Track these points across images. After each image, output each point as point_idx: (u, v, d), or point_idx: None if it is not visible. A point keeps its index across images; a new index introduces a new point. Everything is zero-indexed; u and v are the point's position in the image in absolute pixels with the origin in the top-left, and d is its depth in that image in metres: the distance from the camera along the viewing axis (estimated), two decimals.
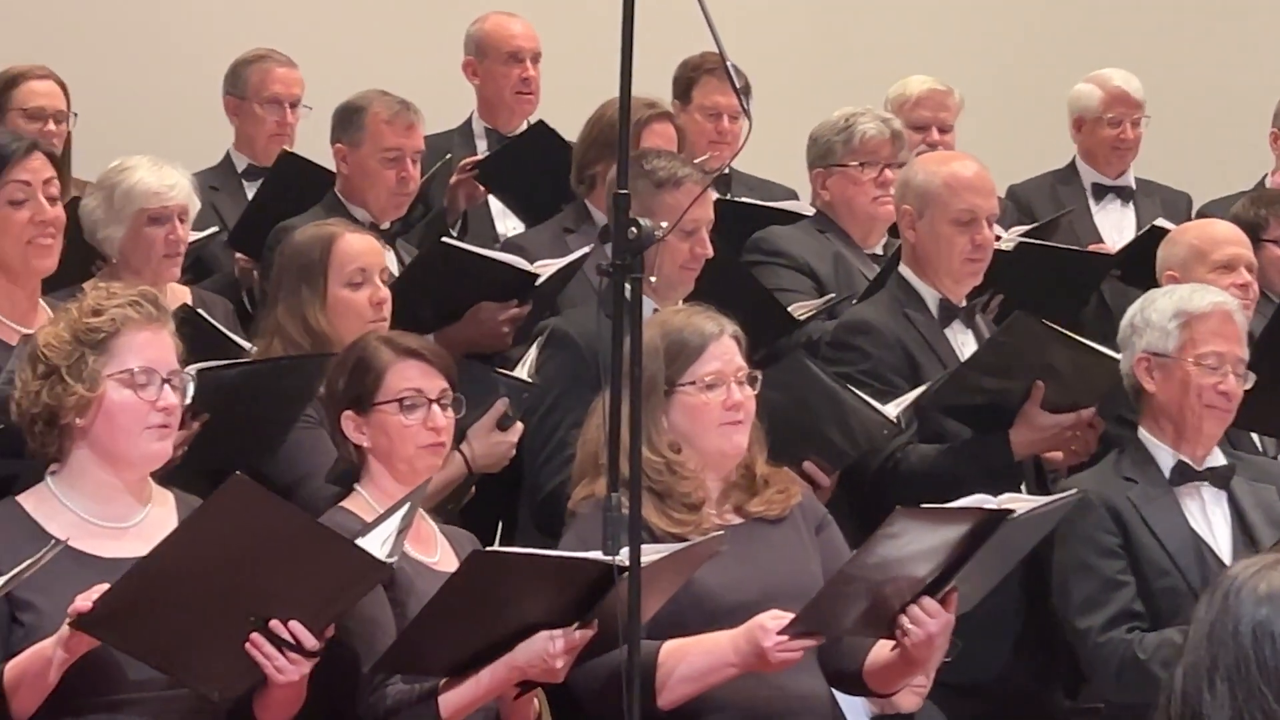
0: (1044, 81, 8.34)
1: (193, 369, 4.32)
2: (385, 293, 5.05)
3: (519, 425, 4.98)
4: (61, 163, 5.80)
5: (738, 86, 3.90)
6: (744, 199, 6.43)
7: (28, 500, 4.00)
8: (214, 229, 6.20)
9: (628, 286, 3.78)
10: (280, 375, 4.71)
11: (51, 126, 6.08)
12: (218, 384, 4.46)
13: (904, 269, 5.48)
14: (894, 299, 5.43)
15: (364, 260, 5.05)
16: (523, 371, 5.10)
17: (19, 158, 4.65)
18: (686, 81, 6.79)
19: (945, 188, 5.41)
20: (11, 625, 3.82)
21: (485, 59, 7.05)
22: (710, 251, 5.24)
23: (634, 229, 3.77)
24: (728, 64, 3.90)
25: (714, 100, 6.71)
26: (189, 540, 3.71)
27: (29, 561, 3.68)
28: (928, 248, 5.42)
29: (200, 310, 5.13)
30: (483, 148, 6.96)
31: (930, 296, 5.43)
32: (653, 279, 4.91)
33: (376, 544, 3.85)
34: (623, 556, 3.77)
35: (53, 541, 3.76)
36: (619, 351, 3.84)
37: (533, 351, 5.19)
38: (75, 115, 6.17)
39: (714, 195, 5.27)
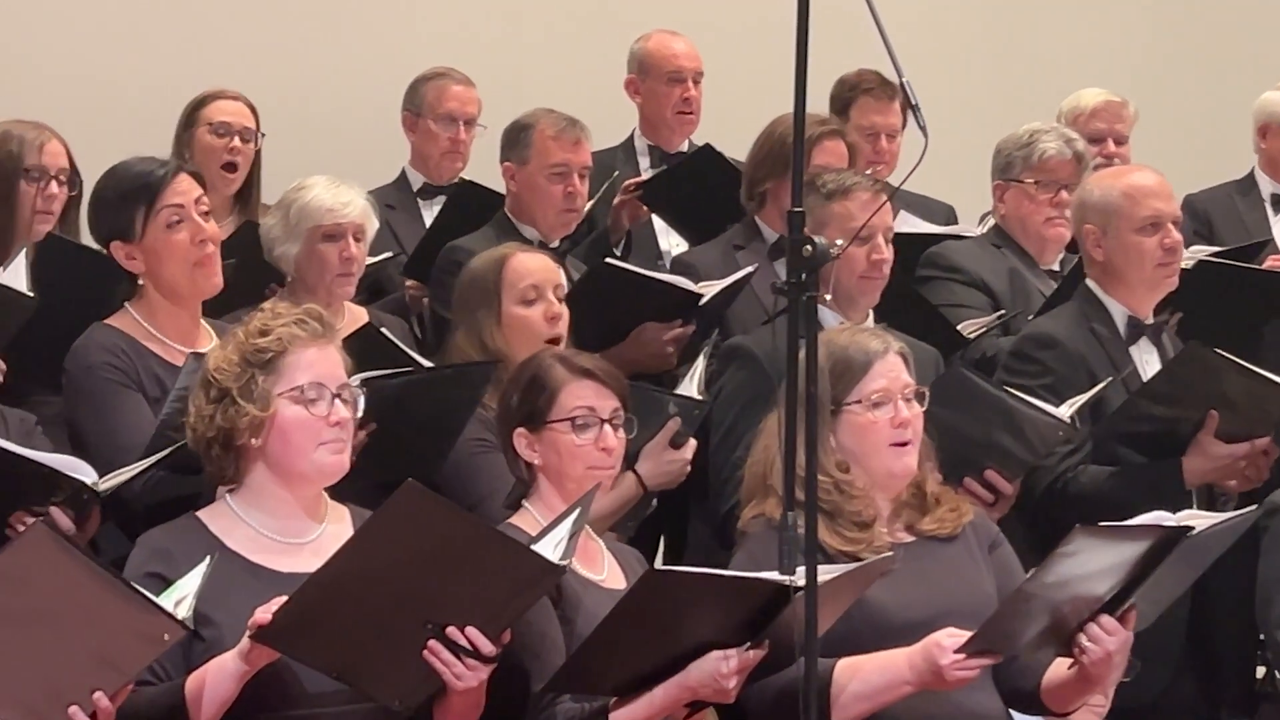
0: (1218, 92, 8.24)
1: (358, 377, 4.37)
2: (560, 308, 5.07)
3: (692, 443, 4.99)
4: (250, 183, 5.92)
5: (913, 103, 3.86)
6: (907, 229, 6.37)
7: (208, 516, 4.04)
8: (389, 254, 6.23)
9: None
10: (445, 385, 4.74)
11: (238, 143, 6.14)
12: (384, 393, 4.49)
13: (1091, 284, 5.42)
14: (1080, 313, 5.36)
15: (536, 277, 5.07)
16: (691, 388, 5.10)
17: (166, 181, 4.73)
18: (843, 101, 6.77)
19: (1126, 198, 5.34)
20: (192, 639, 3.84)
21: (647, 78, 7.07)
22: (889, 256, 5.20)
23: (809, 246, 3.76)
24: (903, 80, 3.87)
25: (871, 119, 6.68)
26: (364, 549, 3.73)
27: (194, 580, 3.71)
28: (1117, 262, 5.34)
29: (383, 329, 5.18)
30: (645, 165, 6.98)
31: (1119, 312, 5.35)
32: (827, 296, 4.89)
33: (549, 548, 3.86)
34: (798, 576, 3.76)
35: (208, 557, 3.79)
36: (793, 370, 3.84)
37: (699, 366, 5.18)
38: (263, 135, 6.24)
39: (888, 202, 5.23)
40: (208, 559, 3.78)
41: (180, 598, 3.67)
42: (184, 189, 4.73)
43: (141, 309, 4.74)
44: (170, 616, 3.52)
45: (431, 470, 4.66)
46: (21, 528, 4.17)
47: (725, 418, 5.13)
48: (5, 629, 3.35)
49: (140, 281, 4.73)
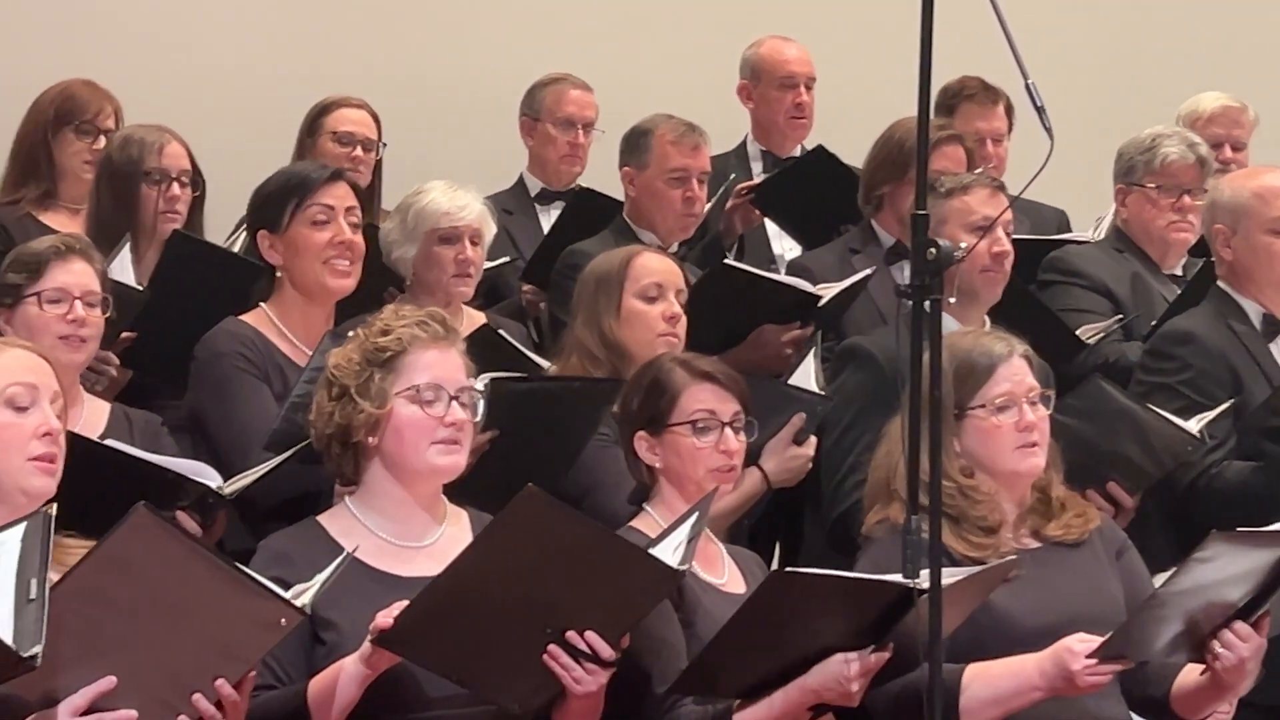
0: None
1: (485, 377, 4.38)
2: (679, 311, 5.09)
3: (814, 439, 4.99)
4: (371, 190, 5.97)
5: (1038, 105, 3.84)
6: (1023, 236, 6.33)
7: (328, 520, 4.05)
8: (507, 258, 6.25)
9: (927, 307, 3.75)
10: (571, 396, 4.75)
11: (359, 153, 6.18)
12: (509, 397, 4.50)
13: (1222, 284, 5.38)
14: (1216, 311, 5.33)
15: (660, 276, 5.10)
16: (809, 383, 5.08)
17: (323, 183, 4.83)
18: (947, 107, 6.74)
19: (1257, 199, 5.31)
20: (314, 643, 3.87)
21: (760, 83, 7.06)
22: (1009, 248, 5.19)
23: (932, 249, 3.74)
24: (1028, 83, 3.84)
25: (975, 125, 6.66)
26: (485, 554, 3.73)
27: (324, 575, 3.72)
28: (1247, 262, 5.31)
29: (501, 331, 5.20)
30: (758, 170, 6.98)
31: (1253, 310, 5.31)
32: (952, 299, 4.87)
33: (667, 552, 3.86)
34: (923, 579, 3.74)
35: (344, 554, 3.80)
36: (916, 374, 3.82)
37: (811, 363, 5.16)
38: (384, 145, 6.27)
39: (1003, 195, 5.21)
40: (344, 555, 3.79)
41: (303, 589, 3.69)
42: (338, 195, 4.84)
43: (276, 307, 4.81)
44: (284, 601, 3.53)
45: (554, 477, 4.67)
46: None
47: (841, 419, 5.12)
48: (118, 617, 3.36)
49: (278, 274, 4.82)
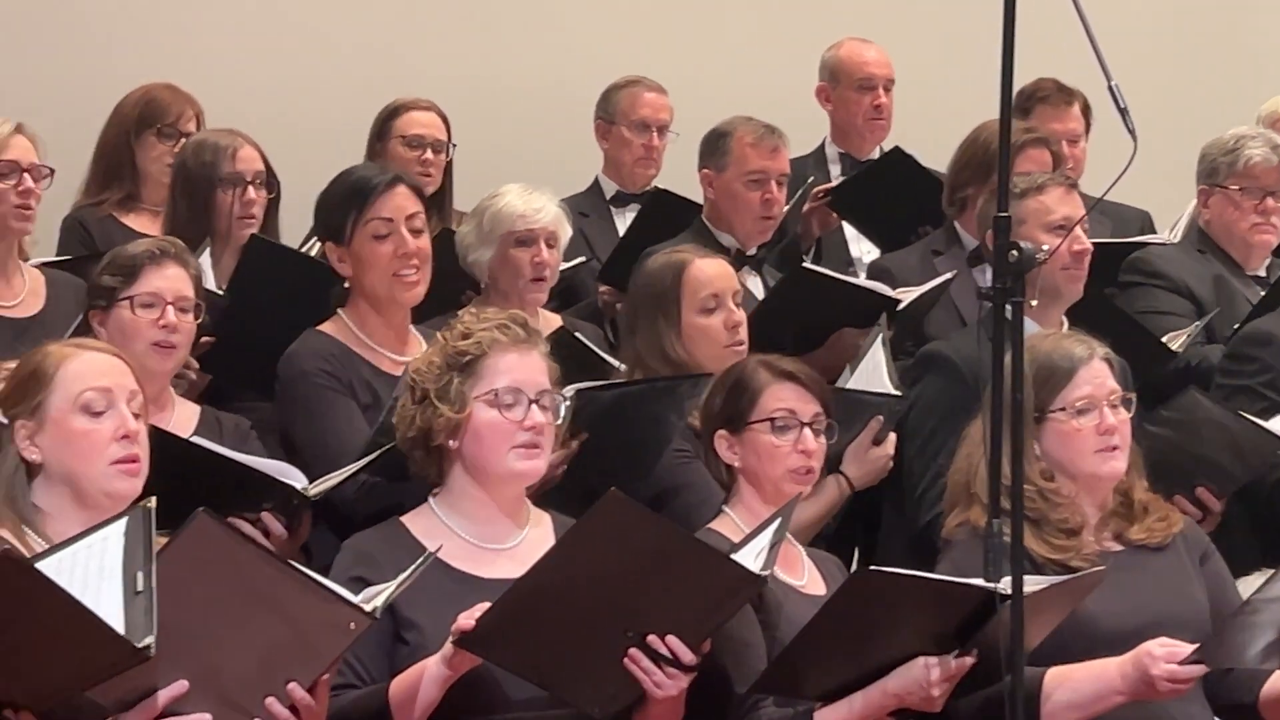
0: None
1: (571, 388, 4.38)
2: (740, 315, 5.07)
3: (893, 437, 4.98)
4: (441, 192, 5.97)
5: (1121, 107, 3.82)
6: (1104, 239, 6.30)
7: (411, 521, 4.06)
8: (582, 258, 6.25)
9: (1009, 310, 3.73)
10: (655, 397, 4.74)
11: (429, 155, 6.18)
12: (596, 404, 4.51)
13: None
14: None
15: (716, 285, 5.07)
16: (884, 381, 5.05)
17: (380, 192, 4.80)
18: (1021, 110, 6.70)
19: None
20: (396, 644, 3.88)
21: (838, 85, 7.05)
22: (1089, 246, 5.17)
23: (1014, 252, 3.72)
24: (1111, 84, 3.82)
25: (1050, 127, 6.59)
26: (567, 557, 3.73)
27: (405, 574, 3.72)
28: None
29: (578, 333, 5.19)
30: (836, 173, 6.96)
31: None
32: (1033, 302, 4.85)
33: (750, 557, 3.85)
34: (1005, 584, 3.72)
35: (426, 553, 3.79)
36: (999, 377, 3.81)
37: (881, 360, 5.14)
38: (454, 146, 6.27)
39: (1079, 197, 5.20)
40: (425, 555, 3.79)
41: (381, 589, 3.69)
42: (397, 203, 4.80)
43: (353, 315, 4.81)
44: (353, 605, 3.53)
45: (639, 481, 4.67)
46: None
47: (923, 426, 5.11)
48: (188, 621, 3.37)
49: (346, 285, 4.81)
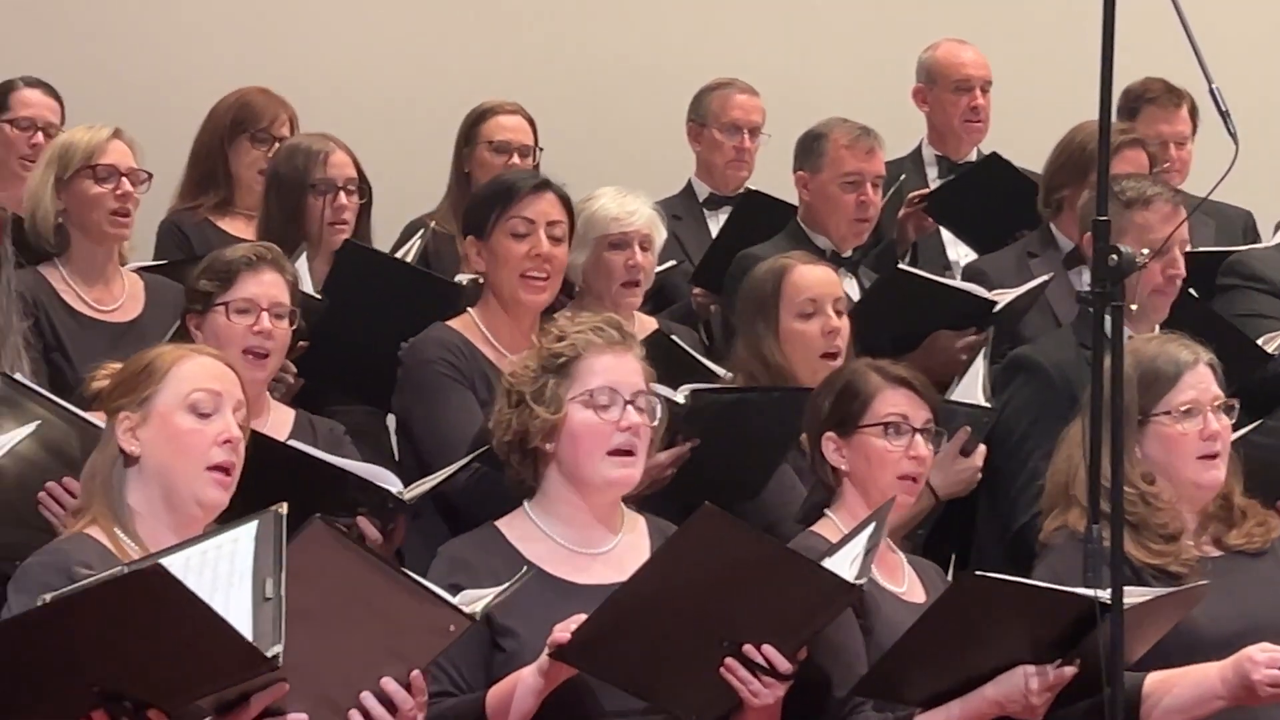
0: None
1: (686, 388, 4.37)
2: (837, 322, 5.04)
3: (981, 449, 4.94)
4: None
5: (1223, 109, 3.78)
6: (1205, 246, 6.23)
7: (506, 525, 4.05)
8: (674, 261, 6.24)
9: (1107, 315, 3.70)
10: (775, 406, 4.71)
11: (516, 160, 6.16)
12: (712, 407, 4.50)
13: None
14: None
15: (815, 290, 5.05)
16: (976, 392, 5.02)
17: (526, 194, 4.85)
18: (1129, 110, 6.65)
19: None
20: (493, 651, 3.87)
21: (935, 87, 7.00)
22: (1183, 272, 5.13)
23: (1114, 255, 3.69)
24: (1212, 87, 3.78)
25: (1158, 129, 6.56)
26: (662, 570, 3.73)
27: (503, 587, 3.71)
28: None
29: (673, 336, 5.19)
30: (933, 175, 6.92)
31: None
32: (1133, 306, 4.81)
33: (844, 565, 3.84)
34: (1107, 594, 3.69)
35: (524, 569, 3.79)
36: (1098, 381, 3.77)
37: (980, 369, 5.10)
38: (541, 150, 6.27)
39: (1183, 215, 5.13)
40: (522, 572, 3.78)
41: (479, 596, 3.68)
42: (541, 207, 4.86)
43: (482, 314, 4.86)
44: (453, 607, 3.53)
45: (753, 490, 4.66)
46: None
47: (1014, 431, 5.08)
48: (292, 622, 3.38)
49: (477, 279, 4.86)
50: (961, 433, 4.90)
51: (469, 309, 4.89)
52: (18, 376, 4.22)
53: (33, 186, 5.06)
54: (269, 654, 3.22)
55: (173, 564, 3.31)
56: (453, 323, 4.85)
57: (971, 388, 5.07)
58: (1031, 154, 6.22)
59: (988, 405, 5.01)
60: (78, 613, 3.16)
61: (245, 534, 3.41)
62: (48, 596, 3.36)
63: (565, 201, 4.94)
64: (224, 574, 3.35)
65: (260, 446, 3.92)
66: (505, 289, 4.85)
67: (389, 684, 3.48)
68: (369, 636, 3.47)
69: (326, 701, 3.46)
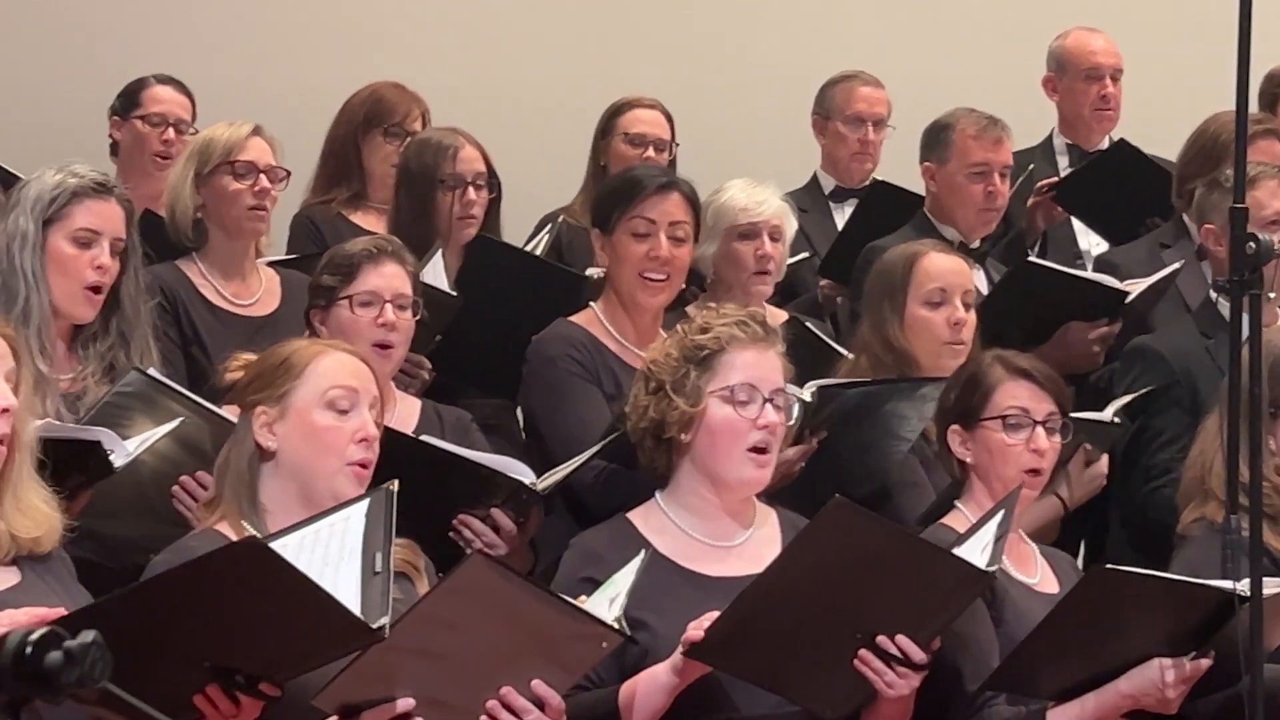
0: None
1: (812, 384, 4.36)
2: (963, 314, 5.01)
3: (1105, 458, 4.91)
4: None
5: None
6: None
7: (638, 517, 4.06)
8: (805, 254, 6.23)
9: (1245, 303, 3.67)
10: (898, 396, 4.71)
11: (652, 153, 6.17)
12: (838, 402, 4.50)
13: None
14: None
15: (945, 280, 5.03)
16: (1107, 409, 4.99)
17: (651, 193, 4.85)
18: (1271, 96, 6.59)
19: None
20: (627, 644, 3.83)
21: (1065, 75, 6.96)
22: None
23: (1252, 244, 3.66)
24: None
25: None
26: (794, 563, 3.72)
27: (628, 583, 3.72)
28: None
29: (807, 323, 5.18)
30: (1064, 164, 6.88)
31: None
32: (1270, 294, 4.76)
33: (975, 552, 3.82)
34: (1245, 585, 3.66)
35: (643, 552, 3.80)
36: (1235, 372, 3.74)
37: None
38: (677, 145, 6.26)
39: None
40: (642, 553, 3.80)
41: (613, 596, 3.69)
42: (665, 208, 4.85)
43: (605, 308, 4.86)
44: (608, 626, 3.54)
45: (878, 477, 4.66)
46: (466, 531, 4.27)
47: (1134, 420, 5.06)
48: (456, 650, 3.40)
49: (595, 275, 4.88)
50: (1081, 451, 4.85)
51: (592, 303, 4.89)
52: (152, 373, 4.25)
53: (173, 181, 5.11)
54: (374, 625, 3.24)
55: (287, 543, 3.36)
56: (576, 318, 4.86)
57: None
58: (1164, 142, 6.18)
59: (1115, 421, 4.97)
60: (181, 587, 3.21)
61: (356, 512, 3.45)
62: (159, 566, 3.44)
63: (691, 201, 4.93)
64: (335, 550, 3.38)
65: (395, 442, 3.94)
66: (624, 287, 4.85)
67: (540, 686, 3.49)
68: (525, 658, 3.48)
69: (474, 715, 3.48)
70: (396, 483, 3.50)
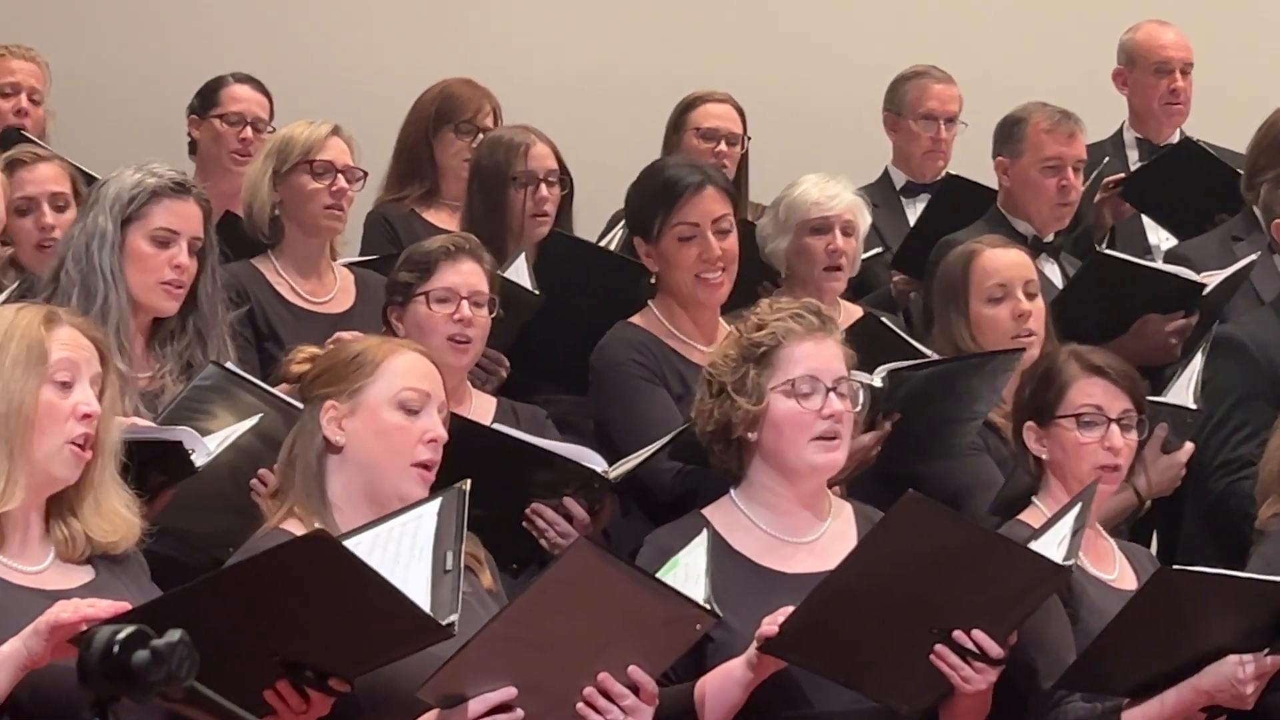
0: None
1: (883, 369, 4.36)
2: (1027, 305, 5.01)
3: (1188, 447, 4.86)
4: (737, 184, 5.99)
5: None
6: None
7: (712, 513, 4.06)
8: (878, 249, 6.22)
9: None
10: (968, 373, 4.72)
11: (724, 148, 6.17)
12: (908, 384, 4.51)
13: None
14: None
15: (1004, 275, 5.03)
16: (1185, 394, 4.96)
17: (689, 195, 4.83)
18: None
19: None
20: (704, 640, 3.83)
21: (1135, 69, 6.94)
22: None
23: None
24: None
25: None
26: (868, 559, 3.72)
27: (702, 566, 3.72)
28: None
29: (883, 318, 5.18)
30: (1134, 158, 6.86)
31: None
32: None
33: (1051, 547, 3.81)
34: None
35: (702, 533, 3.81)
36: None
37: (1196, 366, 5.05)
38: (749, 139, 6.25)
39: None
40: (703, 533, 3.81)
41: (692, 577, 3.70)
42: (705, 207, 4.84)
43: (662, 308, 4.85)
44: (701, 608, 3.55)
45: (950, 460, 4.66)
46: (539, 519, 4.29)
47: (1215, 411, 5.05)
48: (557, 637, 3.42)
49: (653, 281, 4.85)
50: (1159, 430, 4.83)
51: (650, 302, 4.88)
52: (230, 365, 4.28)
53: (252, 178, 5.14)
54: (444, 622, 3.26)
55: (359, 543, 3.38)
56: (635, 319, 4.85)
57: (1182, 389, 5.01)
58: (1236, 136, 6.15)
59: (1192, 407, 4.93)
60: (250, 580, 3.23)
61: (429, 511, 3.47)
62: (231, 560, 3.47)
63: (725, 189, 4.92)
64: (406, 549, 3.40)
65: (467, 431, 3.95)
66: (683, 290, 4.84)
67: (637, 672, 3.50)
68: (621, 643, 3.49)
69: (568, 700, 3.49)
70: (469, 482, 3.52)
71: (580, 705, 3.47)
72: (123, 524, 3.49)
